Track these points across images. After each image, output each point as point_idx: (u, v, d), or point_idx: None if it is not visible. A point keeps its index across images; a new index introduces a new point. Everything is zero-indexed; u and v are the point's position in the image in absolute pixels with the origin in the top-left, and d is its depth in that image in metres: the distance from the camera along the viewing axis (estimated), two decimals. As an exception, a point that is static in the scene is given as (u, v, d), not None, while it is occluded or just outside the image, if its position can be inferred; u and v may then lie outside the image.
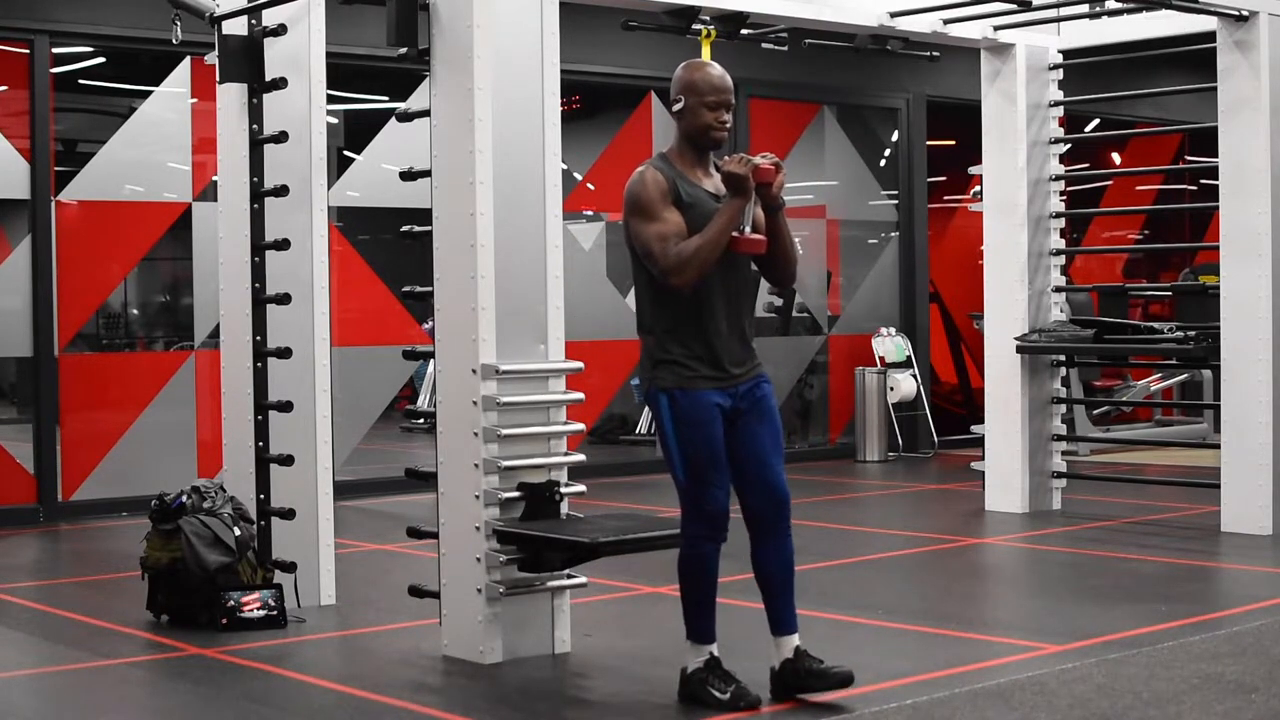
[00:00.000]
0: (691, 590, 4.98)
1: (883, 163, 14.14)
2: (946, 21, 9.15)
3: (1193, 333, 9.06)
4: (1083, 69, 10.42)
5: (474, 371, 5.68)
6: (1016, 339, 9.56)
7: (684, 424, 4.90)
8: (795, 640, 4.99)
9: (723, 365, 4.94)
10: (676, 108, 5.01)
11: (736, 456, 4.97)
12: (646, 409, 4.95)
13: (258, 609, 6.34)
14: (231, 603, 6.30)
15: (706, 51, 8.22)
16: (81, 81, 10.84)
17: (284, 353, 6.61)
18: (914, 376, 13.26)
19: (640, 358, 5.06)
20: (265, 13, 6.71)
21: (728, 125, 4.98)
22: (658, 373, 4.95)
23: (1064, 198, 9.89)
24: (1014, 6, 8.65)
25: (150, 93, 10.53)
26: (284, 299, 6.61)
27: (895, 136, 14.04)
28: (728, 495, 4.92)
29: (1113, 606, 6.63)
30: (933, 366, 14.46)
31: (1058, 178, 9.79)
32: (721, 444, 4.92)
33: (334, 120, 11.41)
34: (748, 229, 4.87)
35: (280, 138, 6.62)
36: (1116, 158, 16.59)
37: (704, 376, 4.92)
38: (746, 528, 4.99)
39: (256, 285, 6.72)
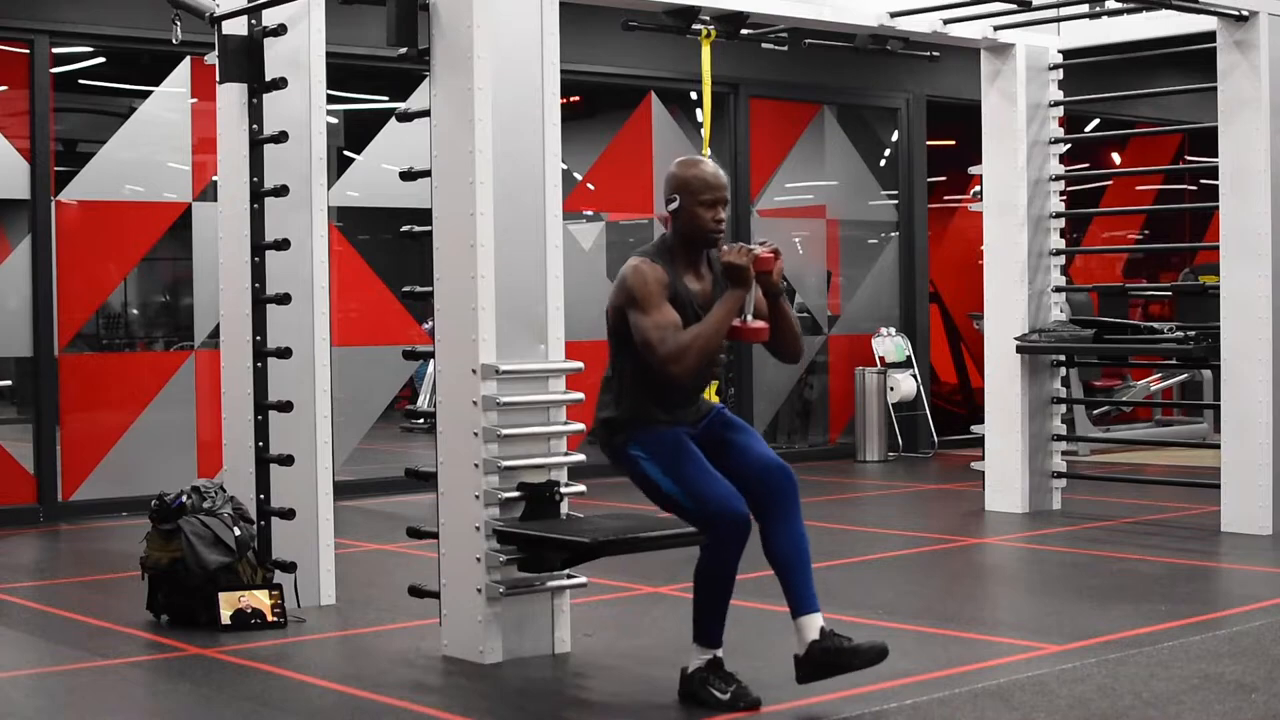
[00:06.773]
0: (706, 596, 4.97)
1: (883, 163, 14.13)
2: (946, 21, 9.14)
3: (1193, 333, 9.06)
4: (1083, 69, 10.41)
5: (474, 371, 5.69)
6: (1016, 339, 9.56)
7: (660, 454, 4.98)
8: (819, 620, 4.88)
9: (681, 423, 5.09)
10: (671, 207, 5.07)
11: (722, 461, 5.01)
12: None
13: (258, 609, 6.35)
14: (231, 603, 6.30)
15: (706, 51, 8.21)
16: (81, 81, 10.84)
17: (284, 353, 6.61)
18: (914, 376, 13.26)
19: (600, 443, 5.16)
20: (265, 13, 6.71)
21: (724, 223, 5.07)
22: (619, 437, 5.08)
23: (1064, 198, 9.88)
24: (1014, 6, 8.65)
25: (150, 93, 10.53)
26: (284, 299, 6.61)
27: (895, 136, 14.04)
28: (735, 493, 4.88)
29: (1113, 606, 6.63)
30: (933, 366, 14.46)
31: (1058, 178, 9.79)
32: (701, 455, 4.98)
33: (334, 120, 11.41)
34: (749, 317, 4.96)
35: (280, 138, 6.62)
36: (1116, 158, 16.60)
37: (663, 421, 5.06)
38: (757, 519, 4.94)
39: (256, 285, 6.72)
